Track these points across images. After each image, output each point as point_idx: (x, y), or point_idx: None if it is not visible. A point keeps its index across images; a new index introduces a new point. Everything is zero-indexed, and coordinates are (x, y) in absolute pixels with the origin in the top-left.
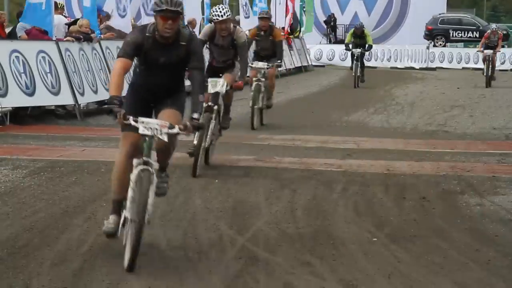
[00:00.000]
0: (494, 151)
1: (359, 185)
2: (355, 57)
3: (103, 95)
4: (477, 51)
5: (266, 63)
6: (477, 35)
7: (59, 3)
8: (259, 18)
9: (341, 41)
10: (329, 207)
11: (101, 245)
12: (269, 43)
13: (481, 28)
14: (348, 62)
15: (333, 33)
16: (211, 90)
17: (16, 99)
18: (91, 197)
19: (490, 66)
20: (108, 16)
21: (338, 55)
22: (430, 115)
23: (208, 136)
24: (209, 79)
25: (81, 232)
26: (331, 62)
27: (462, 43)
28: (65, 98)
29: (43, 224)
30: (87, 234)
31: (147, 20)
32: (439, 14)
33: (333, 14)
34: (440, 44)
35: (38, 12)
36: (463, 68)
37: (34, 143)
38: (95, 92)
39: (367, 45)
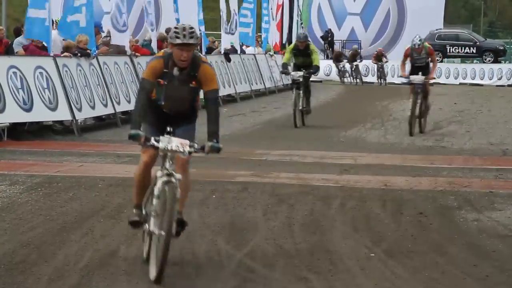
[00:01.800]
0: (491, 167)
1: (356, 201)
2: (295, 84)
3: (101, 111)
4: (400, 76)
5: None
6: (474, 51)
7: (58, 20)
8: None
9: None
10: (326, 223)
11: (99, 260)
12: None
13: (478, 43)
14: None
15: (330, 49)
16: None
17: (13, 114)
18: (88, 213)
19: (420, 101)
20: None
21: (335, 70)
22: (427, 131)
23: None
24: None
25: (79, 248)
26: (328, 77)
27: (459, 59)
28: (62, 114)
29: (40, 239)
30: (84, 249)
31: (117, 37)
32: (436, 29)
33: (330, 29)
34: (437, 60)
35: (41, 27)
36: (460, 83)
37: (31, 159)
38: (93, 107)
39: (313, 66)
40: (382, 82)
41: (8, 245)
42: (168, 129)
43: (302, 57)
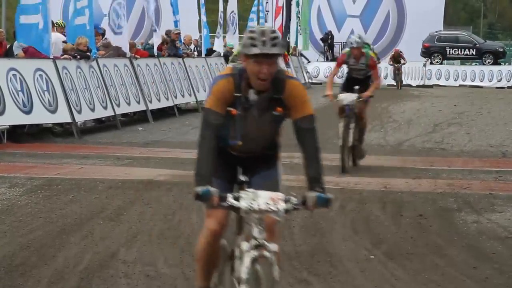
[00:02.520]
0: (491, 169)
1: (356, 203)
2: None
3: (100, 113)
4: (325, 95)
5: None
6: (474, 53)
7: (59, 22)
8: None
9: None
10: (326, 225)
11: (98, 263)
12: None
13: (477, 45)
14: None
15: (330, 51)
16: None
17: (13, 117)
18: (88, 215)
19: (352, 127)
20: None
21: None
22: (427, 133)
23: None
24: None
25: (78, 250)
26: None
27: (459, 61)
28: (62, 116)
29: (40, 242)
30: (84, 252)
31: (114, 39)
32: (436, 31)
33: (330, 31)
34: (437, 62)
35: (34, 32)
36: (460, 85)
37: (31, 161)
38: (92, 109)
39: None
40: (399, 85)
41: (8, 248)
42: (242, 178)
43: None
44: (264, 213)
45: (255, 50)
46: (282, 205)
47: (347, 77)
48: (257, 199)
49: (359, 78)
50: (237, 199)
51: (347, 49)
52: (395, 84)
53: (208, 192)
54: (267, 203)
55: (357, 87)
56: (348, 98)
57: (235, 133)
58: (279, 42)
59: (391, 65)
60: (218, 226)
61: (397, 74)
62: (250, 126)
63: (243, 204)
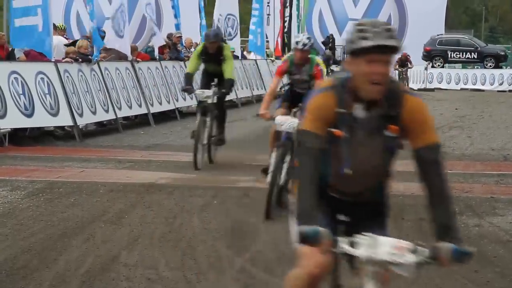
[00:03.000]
0: (493, 172)
1: None
2: (201, 107)
3: (102, 116)
4: (259, 114)
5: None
6: (475, 56)
7: (60, 25)
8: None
9: (339, 62)
10: None
11: (100, 266)
12: None
13: (479, 49)
14: None
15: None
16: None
17: (14, 120)
18: (89, 218)
19: (288, 161)
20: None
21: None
22: None
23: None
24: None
25: (80, 254)
26: None
27: (460, 64)
28: (63, 119)
29: (41, 245)
30: (85, 255)
31: (118, 42)
32: (437, 35)
33: (331, 35)
34: (439, 65)
35: (35, 35)
36: (462, 89)
37: (32, 164)
38: (94, 113)
39: (225, 81)
40: (404, 82)
41: (9, 251)
42: (344, 218)
43: (214, 64)
44: (386, 265)
45: (367, 43)
46: (410, 257)
47: (287, 92)
48: (378, 246)
49: (302, 93)
50: (353, 244)
51: (289, 54)
52: None
53: (318, 233)
54: (392, 253)
55: (300, 105)
56: (287, 122)
57: (342, 160)
58: (395, 34)
59: (396, 69)
60: (319, 270)
61: (402, 79)
62: (358, 153)
63: (362, 252)
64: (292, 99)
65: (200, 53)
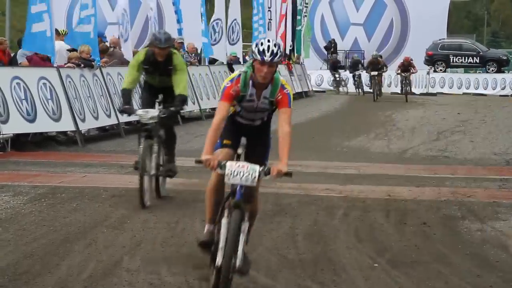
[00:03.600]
0: (495, 177)
1: (360, 211)
2: (145, 131)
3: (104, 121)
4: (200, 161)
5: None
6: (477, 61)
7: (62, 30)
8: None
9: (341, 67)
10: (330, 233)
11: (102, 271)
12: None
13: (481, 53)
14: (350, 87)
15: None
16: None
17: (17, 125)
18: (92, 223)
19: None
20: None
21: (328, 79)
22: (431, 141)
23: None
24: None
25: (82, 259)
26: (332, 87)
27: (463, 69)
28: (66, 124)
29: (44, 250)
30: (88, 260)
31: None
32: (439, 39)
33: (333, 39)
34: (441, 70)
35: (43, 40)
36: (464, 93)
37: (35, 170)
38: (96, 118)
39: (177, 98)
40: (406, 96)
41: (11, 256)
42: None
43: (160, 75)
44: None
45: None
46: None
47: (231, 123)
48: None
49: (251, 126)
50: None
51: (243, 69)
52: (399, 92)
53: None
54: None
55: (245, 141)
56: (242, 171)
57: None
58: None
59: (398, 74)
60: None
61: (405, 84)
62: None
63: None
64: (237, 133)
65: (142, 62)
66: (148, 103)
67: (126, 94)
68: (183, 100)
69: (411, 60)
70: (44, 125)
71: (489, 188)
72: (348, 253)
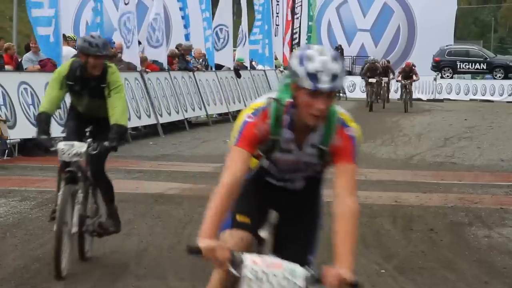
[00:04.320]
0: (502, 183)
1: (366, 217)
2: (67, 172)
3: None
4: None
5: None
6: (484, 67)
7: (71, 36)
8: None
9: (348, 73)
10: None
11: (109, 276)
12: None
13: (488, 59)
14: (357, 93)
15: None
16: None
17: (24, 130)
18: None
19: None
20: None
21: (346, 86)
22: (438, 147)
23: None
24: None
25: (89, 264)
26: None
27: (470, 75)
28: None
29: (51, 255)
30: (94, 265)
31: (152, 53)
32: (446, 45)
33: (340, 45)
34: (448, 76)
35: (48, 44)
36: (471, 99)
37: (42, 175)
38: None
39: (112, 129)
40: (406, 106)
41: (18, 261)
42: None
43: (90, 96)
44: None
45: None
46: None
47: (251, 181)
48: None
49: (285, 192)
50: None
51: (275, 94)
52: (400, 101)
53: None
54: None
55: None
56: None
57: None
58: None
59: (398, 81)
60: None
61: (406, 93)
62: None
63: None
64: (262, 204)
65: (66, 77)
66: (73, 134)
67: (43, 120)
68: (122, 132)
69: (414, 66)
70: (51, 130)
71: (496, 195)
72: (355, 259)
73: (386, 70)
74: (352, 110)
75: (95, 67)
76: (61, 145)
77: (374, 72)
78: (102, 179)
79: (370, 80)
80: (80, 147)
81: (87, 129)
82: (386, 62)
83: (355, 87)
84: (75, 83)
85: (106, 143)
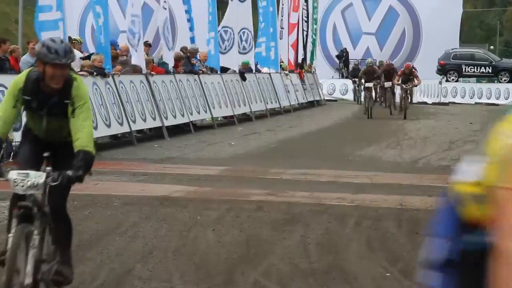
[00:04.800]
0: None
1: (372, 220)
2: (22, 207)
3: (116, 129)
4: None
5: None
6: (490, 70)
7: (78, 38)
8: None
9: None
10: (341, 242)
11: (114, 279)
12: None
13: (493, 63)
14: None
15: (345, 68)
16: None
17: None
18: (104, 231)
19: None
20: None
21: (351, 89)
22: (443, 150)
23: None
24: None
25: (94, 266)
26: (344, 96)
27: (475, 78)
28: None
29: None
30: (100, 268)
31: (166, 54)
32: (452, 49)
33: (345, 48)
34: (453, 79)
35: None
36: (476, 103)
37: None
38: (108, 126)
39: (77, 154)
40: (404, 111)
41: None
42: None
43: (49, 115)
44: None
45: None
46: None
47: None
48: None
49: None
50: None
51: None
52: (399, 104)
53: None
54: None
55: None
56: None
57: None
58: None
59: (397, 85)
60: None
61: (404, 98)
62: None
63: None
64: None
65: (23, 90)
66: (29, 161)
67: None
68: (88, 160)
69: (414, 68)
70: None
71: None
72: (360, 262)
73: (390, 73)
74: (354, 114)
75: (53, 79)
76: (13, 175)
77: (371, 76)
78: (62, 218)
79: (367, 84)
80: (37, 177)
81: (45, 154)
82: (389, 62)
83: (348, 90)
84: (32, 98)
85: (69, 172)
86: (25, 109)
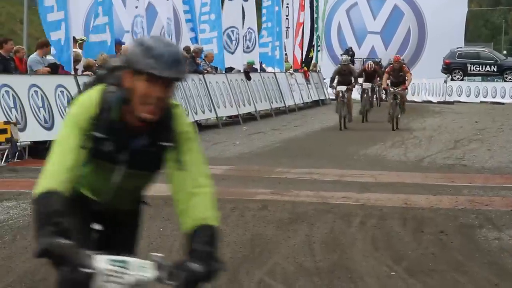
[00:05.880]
0: None
1: (376, 219)
2: None
3: None
4: None
5: None
6: (495, 69)
7: (83, 38)
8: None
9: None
10: (346, 241)
11: None
12: None
13: (499, 62)
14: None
15: None
16: None
17: (34, 133)
18: None
19: None
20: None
21: (356, 88)
22: (448, 149)
23: None
24: None
25: None
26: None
27: (480, 77)
28: None
29: None
30: None
31: None
32: (457, 48)
33: (350, 48)
34: (458, 78)
35: (59, 48)
36: (481, 102)
37: None
38: None
39: (200, 235)
40: (395, 119)
41: (29, 263)
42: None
43: (131, 167)
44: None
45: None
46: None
47: None
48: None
49: None
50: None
51: None
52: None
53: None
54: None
55: None
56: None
57: None
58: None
59: (384, 88)
60: None
61: (394, 105)
62: None
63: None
64: None
65: (96, 122)
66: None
67: (54, 208)
68: (216, 241)
69: (404, 63)
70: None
71: (507, 197)
72: (365, 261)
73: (372, 74)
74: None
75: (146, 103)
76: (104, 263)
77: (347, 77)
78: None
79: (339, 88)
80: (142, 268)
81: (96, 227)
82: (374, 65)
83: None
84: (109, 136)
85: (196, 267)
86: (88, 154)
